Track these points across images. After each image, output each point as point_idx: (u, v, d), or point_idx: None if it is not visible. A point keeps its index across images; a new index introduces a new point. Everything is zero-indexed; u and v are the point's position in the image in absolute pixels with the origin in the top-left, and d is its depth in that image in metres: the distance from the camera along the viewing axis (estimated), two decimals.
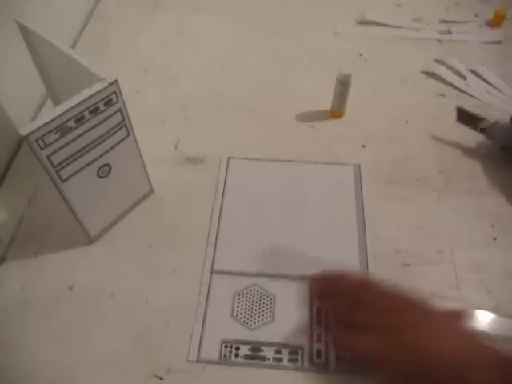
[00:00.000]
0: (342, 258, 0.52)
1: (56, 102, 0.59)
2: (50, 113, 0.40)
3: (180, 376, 0.45)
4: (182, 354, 0.46)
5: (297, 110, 0.67)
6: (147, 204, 0.57)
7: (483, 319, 0.46)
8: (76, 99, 0.41)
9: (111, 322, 0.48)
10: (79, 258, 0.53)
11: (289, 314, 0.48)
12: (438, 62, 0.73)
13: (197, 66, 0.74)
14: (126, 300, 0.49)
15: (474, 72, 0.71)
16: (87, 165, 0.46)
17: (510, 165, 0.59)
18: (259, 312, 0.48)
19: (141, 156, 0.53)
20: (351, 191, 0.58)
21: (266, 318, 0.48)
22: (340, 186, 0.58)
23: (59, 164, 0.44)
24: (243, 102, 0.68)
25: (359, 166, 0.60)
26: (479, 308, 0.47)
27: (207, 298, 0.49)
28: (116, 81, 0.43)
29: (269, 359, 0.45)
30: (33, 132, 0.39)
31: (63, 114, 0.41)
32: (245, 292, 0.50)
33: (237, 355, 0.46)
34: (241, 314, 0.48)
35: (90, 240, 0.53)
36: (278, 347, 0.46)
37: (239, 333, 0.47)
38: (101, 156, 0.47)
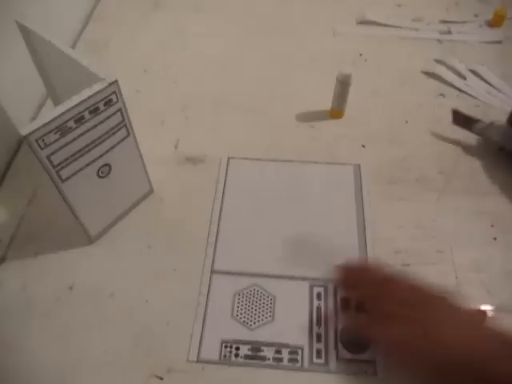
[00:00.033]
0: (342, 257, 0.52)
1: (56, 102, 0.59)
2: (50, 113, 0.40)
3: (180, 376, 0.45)
4: (182, 354, 0.46)
5: (297, 109, 0.67)
6: (147, 204, 0.57)
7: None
8: (76, 99, 0.41)
9: (111, 322, 0.48)
10: (79, 258, 0.53)
11: (289, 314, 0.48)
12: (438, 61, 0.73)
13: (197, 66, 0.74)
14: (126, 300, 0.50)
15: (473, 72, 0.71)
16: (87, 165, 0.46)
17: (508, 165, 0.59)
18: (259, 312, 0.48)
19: (141, 156, 0.53)
20: (351, 191, 0.58)
21: (266, 318, 0.48)
22: (340, 186, 0.58)
23: (59, 164, 0.44)
24: (243, 102, 0.68)
25: (359, 166, 0.60)
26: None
27: (207, 297, 0.49)
28: (116, 81, 0.43)
29: (269, 359, 0.45)
30: (33, 132, 0.39)
31: (63, 114, 0.41)
32: (245, 292, 0.50)
33: (237, 355, 0.46)
34: (241, 314, 0.48)
35: (90, 240, 0.53)
36: (278, 347, 0.46)
37: (239, 333, 0.47)
38: (101, 156, 0.47)
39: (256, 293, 0.50)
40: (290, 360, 0.45)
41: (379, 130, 0.65)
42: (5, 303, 0.50)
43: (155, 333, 0.47)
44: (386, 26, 0.80)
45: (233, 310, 0.48)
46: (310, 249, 0.53)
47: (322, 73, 0.66)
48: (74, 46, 0.77)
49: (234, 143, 0.63)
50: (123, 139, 0.49)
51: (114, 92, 0.44)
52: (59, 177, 0.44)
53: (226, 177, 0.60)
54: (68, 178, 0.45)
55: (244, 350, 0.46)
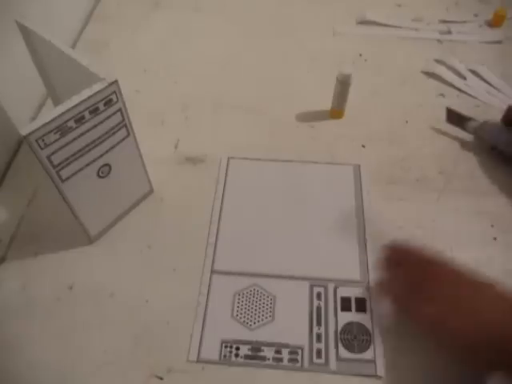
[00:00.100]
0: (342, 257, 0.52)
1: (56, 102, 0.59)
2: (50, 113, 0.40)
3: (180, 376, 0.45)
4: (182, 354, 0.46)
5: (297, 110, 0.67)
6: (147, 204, 0.57)
7: None
8: (76, 99, 0.41)
9: (111, 322, 0.48)
10: (79, 258, 0.53)
11: (289, 314, 0.48)
12: (438, 61, 0.73)
13: (197, 66, 0.74)
14: (126, 300, 0.50)
15: (473, 72, 0.71)
16: (87, 165, 0.46)
17: (500, 164, 0.59)
18: (259, 312, 0.48)
19: (141, 156, 0.53)
20: (351, 191, 0.58)
21: (266, 318, 0.48)
22: (340, 186, 0.58)
23: (59, 164, 0.44)
24: (243, 102, 0.68)
25: (359, 166, 0.60)
26: None
27: (207, 298, 0.49)
28: (116, 81, 0.43)
29: (269, 359, 0.45)
30: (33, 132, 0.39)
31: (63, 114, 0.41)
32: (245, 292, 0.50)
33: (237, 355, 0.46)
34: (241, 314, 0.48)
35: (90, 240, 0.53)
36: (278, 347, 0.46)
37: (239, 333, 0.47)
38: (101, 156, 0.47)
39: (256, 293, 0.50)
40: (290, 360, 0.45)
41: (379, 130, 0.65)
42: (5, 303, 0.50)
43: (155, 333, 0.47)
44: (386, 26, 0.80)
45: (233, 310, 0.48)
46: (310, 249, 0.53)
47: (322, 73, 0.66)
48: (73, 46, 0.77)
49: (233, 143, 0.63)
50: (123, 139, 0.49)
51: (114, 92, 0.44)
52: (59, 177, 0.44)
53: (225, 177, 0.60)
54: (68, 178, 0.45)
55: (244, 350, 0.46)
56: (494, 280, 0.42)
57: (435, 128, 0.64)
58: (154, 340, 0.47)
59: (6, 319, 0.49)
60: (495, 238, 0.53)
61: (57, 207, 0.48)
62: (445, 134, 0.64)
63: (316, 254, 0.53)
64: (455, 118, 0.63)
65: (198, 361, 0.45)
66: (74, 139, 0.43)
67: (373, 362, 0.45)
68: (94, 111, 0.43)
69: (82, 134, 0.44)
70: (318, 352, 0.46)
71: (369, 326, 0.47)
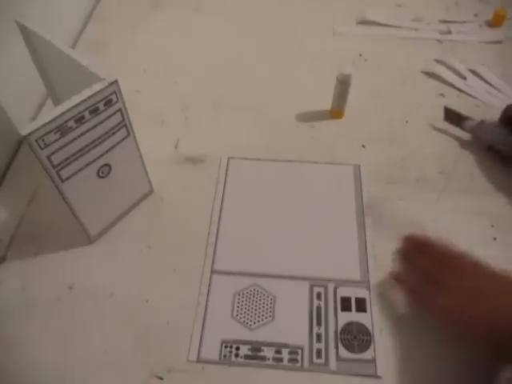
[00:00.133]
0: (342, 257, 0.52)
1: (56, 102, 0.59)
2: (49, 113, 0.40)
3: (180, 376, 0.45)
4: (182, 354, 0.46)
5: (297, 110, 0.67)
6: (147, 204, 0.57)
7: None
8: (76, 99, 0.41)
9: (111, 322, 0.48)
10: (79, 258, 0.53)
11: (289, 314, 0.48)
12: (438, 61, 0.73)
13: (197, 66, 0.74)
14: (126, 300, 0.50)
15: (473, 72, 0.71)
16: (87, 165, 0.46)
17: (497, 163, 0.59)
18: (259, 312, 0.48)
19: (141, 156, 0.53)
20: (351, 191, 0.58)
21: (266, 318, 0.48)
22: (340, 186, 0.58)
23: (59, 164, 0.44)
24: (243, 102, 0.68)
25: (359, 166, 0.60)
26: None
27: (207, 298, 0.49)
28: (116, 81, 0.43)
29: (269, 359, 0.45)
30: (33, 132, 0.39)
31: (63, 113, 0.41)
32: (245, 292, 0.50)
33: (237, 355, 0.46)
34: (241, 314, 0.48)
35: (90, 240, 0.53)
36: (278, 347, 0.46)
37: (239, 333, 0.47)
38: (101, 156, 0.47)
39: (256, 293, 0.50)
40: (290, 360, 0.45)
41: (379, 130, 0.65)
42: (5, 303, 0.50)
43: (155, 333, 0.47)
44: (386, 26, 0.80)
45: (233, 310, 0.48)
46: (310, 249, 0.53)
47: (322, 73, 0.66)
48: (73, 46, 0.77)
49: (233, 143, 0.63)
50: (123, 139, 0.49)
51: (114, 92, 0.44)
52: (59, 177, 0.44)
53: (226, 177, 0.60)
54: (68, 178, 0.45)
55: (244, 350, 0.46)
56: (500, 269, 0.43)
57: (435, 128, 0.64)
58: (154, 340, 0.47)
59: (6, 319, 0.49)
60: (495, 238, 0.53)
61: (57, 207, 0.48)
62: (445, 133, 0.64)
63: (316, 254, 0.53)
64: (453, 116, 0.63)
65: (198, 361, 0.45)
66: (74, 139, 0.43)
67: (373, 362, 0.45)
68: (94, 111, 0.43)
69: (82, 134, 0.44)
70: (318, 352, 0.46)
71: (369, 325, 0.47)
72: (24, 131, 0.39)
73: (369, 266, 0.51)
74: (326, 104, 0.66)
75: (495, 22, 0.79)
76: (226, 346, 0.46)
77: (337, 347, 0.46)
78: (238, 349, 0.46)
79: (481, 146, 0.61)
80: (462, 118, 0.63)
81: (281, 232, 0.54)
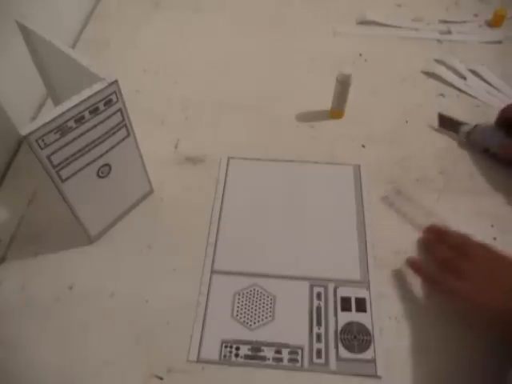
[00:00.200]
0: (342, 257, 0.52)
1: (56, 102, 0.59)
2: (50, 113, 0.40)
3: (180, 376, 0.45)
4: (182, 354, 0.46)
5: (297, 110, 0.67)
6: (147, 204, 0.57)
7: None
8: (76, 99, 0.41)
9: (111, 322, 0.48)
10: (79, 258, 0.53)
11: (289, 314, 0.48)
12: (438, 61, 0.73)
13: (197, 65, 0.74)
14: (126, 300, 0.50)
15: (473, 72, 0.71)
16: (87, 165, 0.46)
17: (494, 166, 0.59)
18: (259, 312, 0.48)
19: (141, 156, 0.53)
20: (351, 191, 0.58)
21: (266, 318, 0.48)
22: (340, 187, 0.58)
23: (59, 164, 0.44)
24: (243, 102, 0.68)
25: (359, 166, 0.60)
26: None
27: (207, 298, 0.49)
28: (116, 81, 0.43)
29: (269, 359, 0.45)
30: (33, 132, 0.39)
31: (63, 113, 0.41)
32: (245, 292, 0.50)
33: (237, 355, 0.46)
34: (241, 314, 0.48)
35: (90, 240, 0.53)
36: (278, 347, 0.46)
37: (239, 333, 0.47)
38: (101, 156, 0.47)
39: (256, 293, 0.50)
40: (290, 360, 0.45)
41: (379, 130, 0.65)
42: (5, 303, 0.50)
43: (155, 333, 0.47)
44: (386, 25, 0.80)
45: (233, 310, 0.48)
46: (310, 249, 0.53)
47: (322, 73, 0.66)
48: (73, 46, 0.77)
49: (233, 143, 0.63)
50: (123, 139, 0.49)
51: (114, 92, 0.44)
52: (59, 177, 0.44)
53: (226, 177, 0.60)
54: (68, 178, 0.45)
55: (244, 350, 0.46)
56: None
57: (435, 128, 0.64)
58: (154, 340, 0.47)
59: (6, 319, 0.49)
60: (495, 238, 0.53)
61: (57, 207, 0.48)
62: (445, 133, 0.64)
63: (316, 254, 0.53)
64: (447, 123, 0.64)
65: (198, 361, 0.45)
66: (74, 139, 0.43)
67: (373, 362, 0.45)
68: (94, 111, 0.43)
69: (82, 134, 0.44)
70: (318, 352, 0.46)
71: (369, 326, 0.47)
72: (24, 131, 0.39)
73: (369, 265, 0.51)
74: (326, 104, 0.66)
75: (495, 22, 0.79)
76: (226, 346, 0.46)
77: (337, 347, 0.46)
78: (238, 349, 0.46)
79: (476, 149, 0.61)
80: (456, 123, 0.63)
81: (281, 232, 0.54)
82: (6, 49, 0.61)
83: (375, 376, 0.44)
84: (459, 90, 0.69)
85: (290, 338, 0.47)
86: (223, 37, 0.79)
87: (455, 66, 0.72)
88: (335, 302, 0.49)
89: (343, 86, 0.61)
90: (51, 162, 0.43)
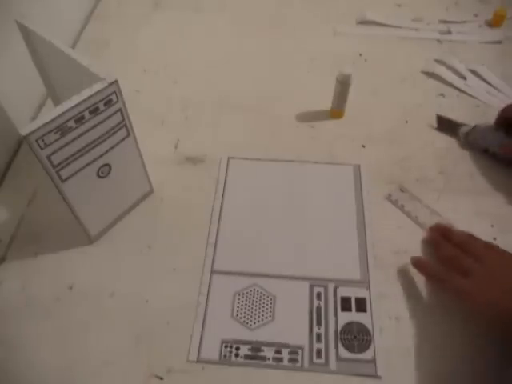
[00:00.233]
0: (342, 257, 0.52)
1: (56, 102, 0.59)
2: (50, 113, 0.40)
3: (180, 376, 0.45)
4: (182, 354, 0.46)
5: (297, 110, 0.67)
6: (147, 204, 0.57)
7: None
8: (76, 99, 0.41)
9: (111, 322, 0.48)
10: (79, 258, 0.53)
11: (289, 314, 0.48)
12: (438, 61, 0.73)
13: (197, 65, 0.74)
14: (125, 300, 0.50)
15: (473, 72, 0.71)
16: (87, 165, 0.46)
17: (494, 166, 0.59)
18: (259, 312, 0.48)
19: (141, 156, 0.53)
20: (351, 191, 0.58)
21: (266, 318, 0.48)
22: (340, 186, 0.58)
23: (59, 164, 0.44)
24: (243, 102, 0.68)
25: (359, 166, 0.60)
26: None
27: (207, 298, 0.49)
28: (116, 81, 0.43)
29: (269, 359, 0.45)
30: (33, 132, 0.39)
31: (63, 113, 0.41)
32: (245, 292, 0.50)
33: (237, 355, 0.46)
34: (241, 314, 0.48)
35: (90, 240, 0.53)
36: (278, 347, 0.46)
37: (239, 333, 0.47)
38: (101, 156, 0.47)
39: (256, 293, 0.50)
40: (290, 360, 0.45)
41: (379, 130, 0.65)
42: (5, 303, 0.50)
43: (155, 333, 0.47)
44: (386, 25, 0.80)
45: (233, 310, 0.48)
46: (310, 249, 0.53)
47: (322, 73, 0.66)
48: (74, 46, 0.77)
49: (233, 143, 0.63)
50: (123, 139, 0.49)
51: (114, 92, 0.44)
52: (59, 177, 0.44)
53: (226, 177, 0.60)
54: (68, 178, 0.45)
55: (244, 349, 0.46)
56: None
57: (435, 128, 0.64)
58: (154, 340, 0.47)
59: (6, 319, 0.49)
60: (495, 238, 0.53)
61: (57, 207, 0.48)
62: (445, 133, 0.64)
63: (316, 254, 0.53)
64: (446, 124, 0.64)
65: (198, 361, 0.45)
66: (74, 139, 0.43)
67: (373, 362, 0.45)
68: (94, 111, 0.43)
69: (82, 134, 0.44)
70: (318, 352, 0.46)
71: (369, 325, 0.47)
72: (24, 131, 0.39)
73: (369, 265, 0.51)
74: (326, 104, 0.66)
75: (495, 22, 0.79)
76: (226, 346, 0.46)
77: (337, 347, 0.46)
78: (238, 349, 0.46)
79: (476, 149, 0.61)
80: (455, 124, 0.63)
81: (281, 232, 0.54)
82: (6, 49, 0.61)
83: (375, 376, 0.44)
84: (459, 89, 0.69)
85: (290, 337, 0.47)
86: (223, 37, 0.79)
87: (455, 66, 0.72)
88: (335, 301, 0.49)
89: (343, 86, 0.61)
90: (51, 162, 0.43)
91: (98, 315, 0.49)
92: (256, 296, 0.49)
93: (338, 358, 0.45)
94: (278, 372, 0.45)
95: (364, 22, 0.81)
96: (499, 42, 0.76)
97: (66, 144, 0.43)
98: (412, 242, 0.53)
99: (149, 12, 0.83)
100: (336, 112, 0.66)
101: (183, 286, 0.50)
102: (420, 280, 0.50)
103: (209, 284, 0.50)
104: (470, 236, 0.50)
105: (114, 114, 0.45)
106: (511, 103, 0.60)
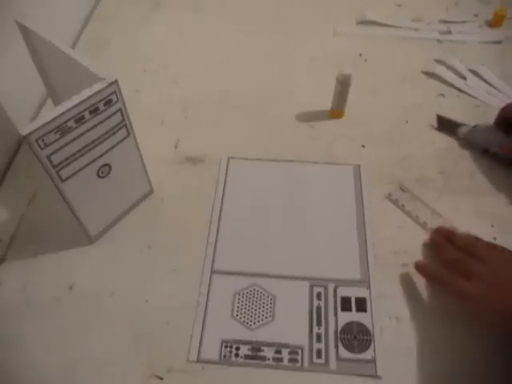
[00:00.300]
0: (342, 257, 0.52)
1: (56, 102, 0.59)
2: (50, 113, 0.40)
3: (180, 376, 0.45)
4: (182, 354, 0.46)
5: (297, 110, 0.67)
6: (147, 204, 0.57)
7: None
8: (76, 99, 0.41)
9: (111, 322, 0.48)
10: (79, 258, 0.53)
11: (289, 314, 0.48)
12: (438, 61, 0.73)
13: (197, 66, 0.74)
14: (125, 300, 0.50)
15: (473, 72, 0.71)
16: (87, 165, 0.46)
17: (494, 166, 0.59)
18: (259, 312, 0.48)
19: (141, 156, 0.53)
20: (351, 191, 0.58)
21: (266, 318, 0.48)
22: (340, 186, 0.58)
23: (59, 164, 0.44)
24: (243, 102, 0.68)
25: (359, 166, 0.60)
26: None
27: (207, 298, 0.49)
28: (116, 81, 0.43)
29: (269, 359, 0.45)
30: (33, 132, 0.39)
31: (63, 113, 0.41)
32: (245, 292, 0.50)
33: (237, 355, 0.46)
34: (241, 314, 0.48)
35: (90, 240, 0.53)
36: (278, 347, 0.46)
37: (239, 333, 0.47)
38: (101, 156, 0.47)
39: (256, 293, 0.50)
40: (290, 360, 0.45)
41: (379, 130, 0.65)
42: (5, 303, 0.50)
43: (155, 333, 0.47)
44: (386, 25, 0.80)
45: (233, 310, 0.48)
46: (310, 249, 0.53)
47: (322, 73, 0.66)
48: (74, 46, 0.77)
49: (233, 143, 0.63)
50: (123, 139, 0.49)
51: (114, 92, 0.44)
52: (59, 177, 0.44)
53: (226, 177, 0.60)
54: (68, 178, 0.45)
55: (244, 350, 0.46)
56: None
57: (435, 128, 0.64)
58: (154, 340, 0.47)
59: (6, 319, 0.49)
60: (495, 238, 0.53)
61: (57, 207, 0.48)
62: (445, 133, 0.64)
63: (316, 254, 0.53)
64: (446, 124, 0.64)
65: (198, 361, 0.45)
66: (74, 139, 0.43)
67: (373, 362, 0.45)
68: (94, 111, 0.43)
69: (82, 134, 0.44)
70: (318, 352, 0.46)
71: (369, 325, 0.47)
72: (24, 131, 0.39)
73: (369, 265, 0.51)
74: (326, 104, 0.66)
75: (495, 22, 0.79)
76: (226, 346, 0.46)
77: (337, 347, 0.46)
78: (238, 349, 0.46)
79: (476, 149, 0.61)
80: (455, 124, 0.63)
81: (281, 232, 0.54)
82: (6, 49, 0.61)
83: (375, 376, 0.44)
84: (459, 90, 0.69)
85: (290, 337, 0.47)
86: (223, 37, 0.79)
87: (455, 66, 0.72)
88: (335, 301, 0.49)
89: (343, 86, 0.61)
90: (51, 161, 0.43)
91: (98, 315, 0.49)
92: (256, 296, 0.49)
93: (338, 358, 0.45)
94: (278, 372, 0.45)
95: (364, 22, 0.81)
96: (499, 42, 0.76)
97: (66, 144, 0.43)
98: (412, 242, 0.53)
99: (149, 12, 0.83)
100: (336, 112, 0.66)
101: (183, 286, 0.50)
102: (420, 280, 0.50)
103: (209, 284, 0.50)
104: (473, 238, 0.50)
105: (114, 114, 0.45)
106: (511, 102, 0.60)
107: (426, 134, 0.64)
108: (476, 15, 0.81)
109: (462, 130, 0.62)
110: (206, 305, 0.49)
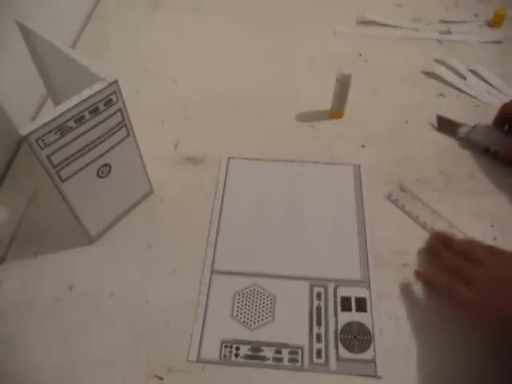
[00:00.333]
0: (342, 257, 0.52)
1: (56, 102, 0.59)
2: (50, 113, 0.40)
3: (180, 376, 0.45)
4: (182, 354, 0.46)
5: (297, 110, 0.67)
6: (147, 204, 0.57)
7: None
8: (76, 99, 0.41)
9: (111, 322, 0.48)
10: (79, 258, 0.53)
11: (289, 314, 0.48)
12: (438, 61, 0.73)
13: (197, 66, 0.74)
14: (125, 300, 0.50)
15: (473, 72, 0.71)
16: (87, 165, 0.46)
17: (495, 165, 0.60)
18: (259, 312, 0.48)
19: (141, 156, 0.53)
20: (351, 191, 0.58)
21: (266, 318, 0.48)
22: (340, 186, 0.58)
23: (59, 164, 0.44)
24: (243, 102, 0.68)
25: (359, 166, 0.60)
26: None
27: (207, 298, 0.49)
28: (116, 81, 0.43)
29: (269, 359, 0.45)
30: (33, 132, 0.39)
31: (63, 113, 0.41)
32: (245, 292, 0.50)
33: (237, 355, 0.46)
34: (241, 314, 0.48)
35: (90, 240, 0.53)
36: (278, 347, 0.46)
37: (239, 333, 0.47)
38: (101, 156, 0.47)
39: (256, 293, 0.50)
40: (290, 360, 0.45)
41: (379, 130, 0.65)
42: (5, 303, 0.50)
43: (155, 333, 0.47)
44: (385, 26, 0.80)
45: (233, 310, 0.48)
46: (310, 249, 0.53)
47: (322, 73, 0.66)
48: (74, 46, 0.77)
49: (233, 143, 0.63)
50: (123, 139, 0.49)
51: (114, 92, 0.44)
52: (59, 177, 0.44)
53: (226, 177, 0.60)
54: (68, 178, 0.45)
55: (244, 350, 0.46)
56: None
57: (435, 128, 0.64)
58: (154, 340, 0.47)
59: (6, 319, 0.49)
60: (495, 238, 0.53)
61: (57, 207, 0.48)
62: (445, 133, 0.64)
63: (316, 254, 0.53)
64: (446, 124, 0.64)
65: (198, 361, 0.45)
66: (74, 139, 0.43)
67: (373, 362, 0.45)
68: (94, 111, 0.43)
69: (82, 134, 0.44)
70: (318, 352, 0.46)
71: (369, 325, 0.47)
72: (24, 131, 0.39)
73: (369, 265, 0.51)
74: (326, 104, 0.66)
75: (495, 22, 0.79)
76: (226, 346, 0.46)
77: (337, 347, 0.46)
78: (238, 349, 0.46)
79: (477, 149, 0.61)
80: (455, 125, 0.63)
81: (281, 232, 0.54)
82: (6, 49, 0.61)
83: (375, 376, 0.44)
84: (459, 90, 0.69)
85: (290, 337, 0.47)
86: (223, 37, 0.79)
87: (455, 66, 0.72)
88: (335, 301, 0.49)
89: (343, 86, 0.61)
90: (51, 162, 0.43)
91: (98, 315, 0.49)
92: (256, 296, 0.49)
93: (338, 358, 0.45)
94: (278, 372, 0.45)
95: (364, 22, 0.81)
96: (499, 42, 0.76)
97: (66, 144, 0.43)
98: (412, 242, 0.53)
99: (149, 12, 0.83)
100: (336, 112, 0.66)
101: (183, 286, 0.50)
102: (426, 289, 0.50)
103: (209, 284, 0.50)
104: (472, 243, 0.49)
105: (114, 114, 0.45)
106: (510, 100, 0.60)
107: (425, 134, 0.64)
108: (476, 15, 0.81)
109: (462, 130, 0.62)
110: (206, 305, 0.49)
